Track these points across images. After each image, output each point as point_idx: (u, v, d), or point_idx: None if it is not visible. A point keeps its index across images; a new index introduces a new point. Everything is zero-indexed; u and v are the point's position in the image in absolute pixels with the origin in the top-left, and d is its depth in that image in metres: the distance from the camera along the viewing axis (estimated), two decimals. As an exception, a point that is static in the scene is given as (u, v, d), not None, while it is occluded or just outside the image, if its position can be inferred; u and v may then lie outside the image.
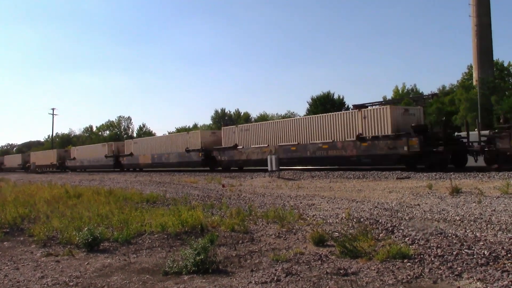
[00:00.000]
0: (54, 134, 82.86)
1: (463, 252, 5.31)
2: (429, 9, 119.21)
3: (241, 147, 28.41)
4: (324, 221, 8.02)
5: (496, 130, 18.92)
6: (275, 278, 4.73)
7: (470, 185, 13.17)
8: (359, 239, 5.97)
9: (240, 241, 6.79)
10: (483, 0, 44.24)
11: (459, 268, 4.71)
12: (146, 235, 7.54)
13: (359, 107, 23.19)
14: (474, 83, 43.95)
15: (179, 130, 67.79)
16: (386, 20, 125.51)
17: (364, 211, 9.05)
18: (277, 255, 5.68)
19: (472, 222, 7.22)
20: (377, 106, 23.02)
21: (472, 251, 5.34)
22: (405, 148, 19.53)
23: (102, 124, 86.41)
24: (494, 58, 46.17)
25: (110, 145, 43.37)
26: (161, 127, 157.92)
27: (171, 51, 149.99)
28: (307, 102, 53.01)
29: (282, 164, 24.08)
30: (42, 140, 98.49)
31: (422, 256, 5.27)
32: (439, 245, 5.66)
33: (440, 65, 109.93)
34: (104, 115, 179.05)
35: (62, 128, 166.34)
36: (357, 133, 21.80)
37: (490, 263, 4.82)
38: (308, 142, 24.50)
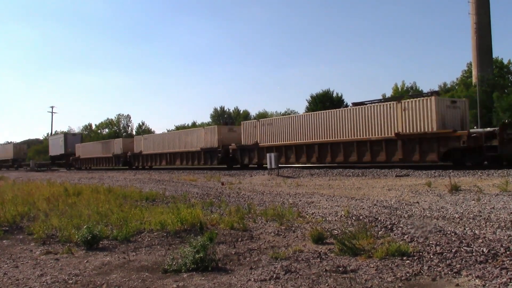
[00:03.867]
0: (53, 132, 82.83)
1: (462, 249, 5.32)
2: (429, 6, 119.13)
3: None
4: (323, 219, 8.03)
5: None
6: (274, 275, 4.73)
7: (469, 183, 13.19)
8: (358, 237, 5.98)
9: (239, 239, 6.79)
10: (482, -3, 44.21)
11: (458, 266, 4.72)
12: (145, 233, 7.55)
13: (358, 104, 23.29)
14: (474, 80, 43.92)
15: (178, 128, 67.99)
16: (386, 17, 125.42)
17: (363, 209, 9.06)
18: (276, 253, 5.68)
19: (471, 220, 7.23)
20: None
21: (471, 248, 5.35)
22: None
23: (101, 122, 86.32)
24: (494, 56, 46.19)
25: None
26: (160, 125, 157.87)
27: (170, 49, 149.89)
28: (306, 100, 53.02)
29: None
30: (41, 138, 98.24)
31: (421, 253, 5.28)
32: (438, 243, 5.67)
33: (440, 63, 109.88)
34: (103, 113, 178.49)
35: (61, 126, 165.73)
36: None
37: (489, 261, 4.83)
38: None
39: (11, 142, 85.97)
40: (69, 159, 53.52)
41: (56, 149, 56.37)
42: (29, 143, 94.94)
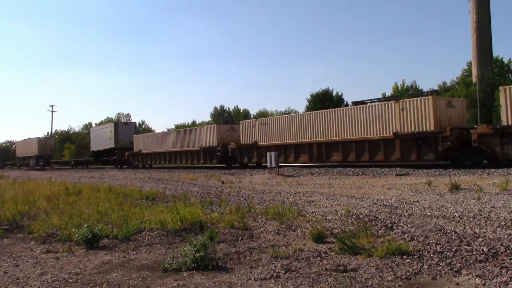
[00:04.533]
0: (53, 131, 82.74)
1: (462, 248, 5.32)
2: (429, 5, 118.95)
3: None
4: (324, 218, 8.03)
5: None
6: (275, 274, 4.73)
7: (469, 182, 13.19)
8: (359, 236, 5.98)
9: (240, 238, 6.80)
10: (482, -4, 44.16)
11: (458, 265, 4.71)
12: (145, 232, 7.55)
13: (358, 103, 23.25)
14: (474, 79, 43.87)
15: (177, 127, 68.00)
16: (385, 16, 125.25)
17: (363, 207, 9.06)
18: (277, 252, 5.69)
19: (471, 219, 7.23)
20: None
21: (471, 247, 5.34)
22: None
23: (101, 121, 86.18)
24: (494, 55, 46.11)
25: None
26: (160, 124, 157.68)
27: (170, 48, 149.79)
28: (306, 99, 53.00)
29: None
30: (41, 137, 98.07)
31: (421, 252, 5.28)
32: (438, 242, 5.67)
33: (440, 61, 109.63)
34: (103, 112, 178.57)
35: (61, 125, 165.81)
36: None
37: (489, 260, 4.83)
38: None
39: (4, 141, 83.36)
40: (123, 155, 42.34)
41: (102, 142, 44.83)
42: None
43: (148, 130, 76.13)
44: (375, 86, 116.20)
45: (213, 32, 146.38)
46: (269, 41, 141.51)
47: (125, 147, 42.61)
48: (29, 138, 62.23)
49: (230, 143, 30.23)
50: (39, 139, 59.04)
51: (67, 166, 54.24)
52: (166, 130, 48.58)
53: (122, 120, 46.32)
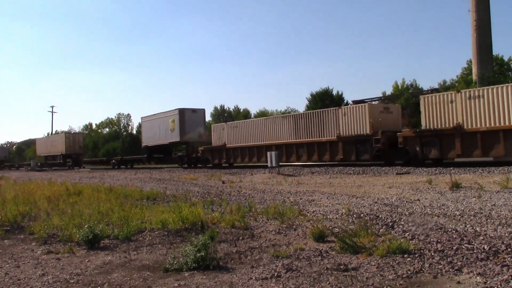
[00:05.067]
0: (53, 132, 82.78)
1: (463, 247, 5.32)
2: (428, 3, 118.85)
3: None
4: (324, 217, 8.03)
5: None
6: (276, 274, 4.73)
7: (470, 180, 13.19)
8: (359, 235, 5.98)
9: (241, 238, 6.80)
10: (482, -6, 44.14)
11: (459, 263, 4.72)
12: (146, 232, 7.55)
13: (358, 102, 23.27)
14: (474, 78, 43.86)
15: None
16: (386, 15, 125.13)
17: (364, 206, 9.06)
18: (278, 251, 5.69)
19: (472, 217, 7.23)
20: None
21: (472, 246, 5.34)
22: None
23: (102, 122, 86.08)
24: (494, 53, 46.08)
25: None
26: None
27: (170, 48, 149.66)
28: (306, 98, 53.01)
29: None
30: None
31: (422, 251, 5.28)
32: (439, 240, 5.67)
33: (440, 60, 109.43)
34: (103, 112, 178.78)
35: (61, 126, 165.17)
36: None
37: (490, 258, 4.83)
38: None
39: (10, 142, 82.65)
40: (194, 151, 33.54)
41: (161, 135, 35.70)
42: (30, 143, 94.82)
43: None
44: (375, 85, 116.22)
45: (213, 32, 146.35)
46: (269, 40, 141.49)
47: (193, 140, 33.88)
48: (54, 135, 55.25)
49: (394, 130, 20.79)
50: (66, 135, 52.84)
51: (104, 166, 47.49)
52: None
53: (187, 107, 34.30)
